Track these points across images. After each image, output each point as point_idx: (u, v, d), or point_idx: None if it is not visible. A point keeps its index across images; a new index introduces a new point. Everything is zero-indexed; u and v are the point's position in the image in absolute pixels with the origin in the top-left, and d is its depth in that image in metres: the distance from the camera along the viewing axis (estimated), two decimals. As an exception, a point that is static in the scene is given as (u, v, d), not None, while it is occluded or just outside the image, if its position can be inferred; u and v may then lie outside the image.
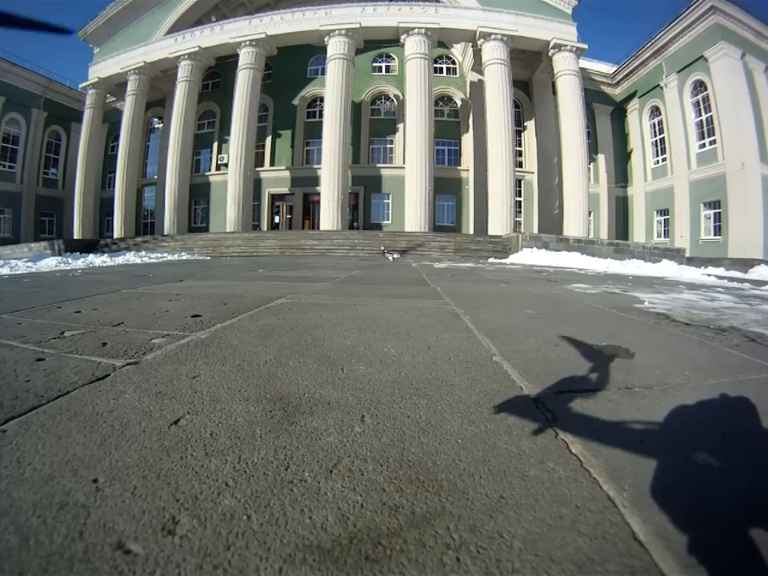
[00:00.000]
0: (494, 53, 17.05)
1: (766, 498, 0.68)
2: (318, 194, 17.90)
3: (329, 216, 16.84)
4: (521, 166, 19.80)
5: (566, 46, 17.29)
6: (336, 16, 17.65)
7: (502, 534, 0.58)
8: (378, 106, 21.20)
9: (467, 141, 20.21)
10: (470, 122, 19.94)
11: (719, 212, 16.42)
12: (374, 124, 20.90)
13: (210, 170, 21.62)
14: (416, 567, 0.51)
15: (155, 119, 23.43)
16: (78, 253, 12.49)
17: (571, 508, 0.64)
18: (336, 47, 17.51)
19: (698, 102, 17.47)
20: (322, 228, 16.87)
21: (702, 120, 17.31)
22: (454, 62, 21.53)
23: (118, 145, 20.85)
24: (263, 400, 1.07)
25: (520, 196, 19.69)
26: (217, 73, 21.59)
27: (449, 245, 14.11)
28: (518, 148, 19.51)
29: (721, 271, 7.97)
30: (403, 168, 17.56)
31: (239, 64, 18.53)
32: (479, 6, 17.45)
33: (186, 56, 19.44)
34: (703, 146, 17.28)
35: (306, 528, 0.58)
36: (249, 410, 1.00)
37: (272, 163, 21.11)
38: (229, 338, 1.74)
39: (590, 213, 18.05)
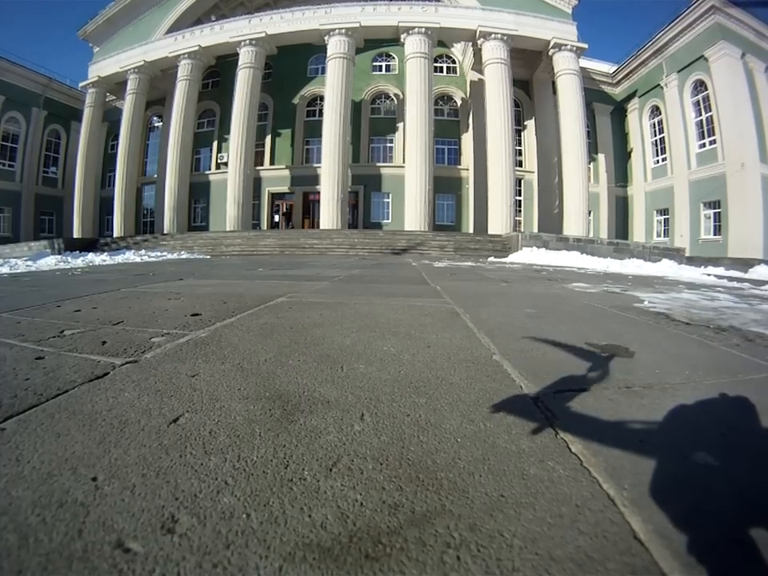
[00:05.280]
0: (494, 52, 17.05)
1: (765, 497, 0.68)
2: (318, 192, 17.89)
3: (329, 215, 16.83)
4: (521, 165, 19.79)
5: (566, 45, 17.29)
6: (336, 15, 17.63)
7: (502, 532, 0.58)
8: (378, 104, 21.19)
9: (467, 140, 20.20)
10: (470, 121, 19.93)
11: (719, 212, 16.41)
12: (373, 123, 20.89)
13: (209, 169, 21.62)
14: (416, 566, 0.51)
15: (155, 118, 23.40)
16: (78, 251, 12.49)
17: (571, 507, 0.64)
18: (336, 46, 17.49)
19: (698, 101, 17.45)
20: (321, 227, 16.86)
21: (702, 120, 17.30)
22: (454, 61, 21.51)
23: (117, 144, 20.83)
24: (263, 398, 1.07)
25: (520, 195, 19.68)
26: (217, 72, 21.57)
27: (449, 244, 14.11)
28: (517, 147, 19.49)
29: (721, 271, 7.96)
30: (403, 167, 17.56)
31: (239, 63, 18.51)
32: (479, 6, 17.44)
33: (186, 55, 19.42)
34: (703, 145, 17.28)
35: (306, 526, 0.58)
36: (248, 408, 1.00)
37: (272, 162, 21.10)
38: (228, 337, 1.74)
39: (589, 212, 18.05)
